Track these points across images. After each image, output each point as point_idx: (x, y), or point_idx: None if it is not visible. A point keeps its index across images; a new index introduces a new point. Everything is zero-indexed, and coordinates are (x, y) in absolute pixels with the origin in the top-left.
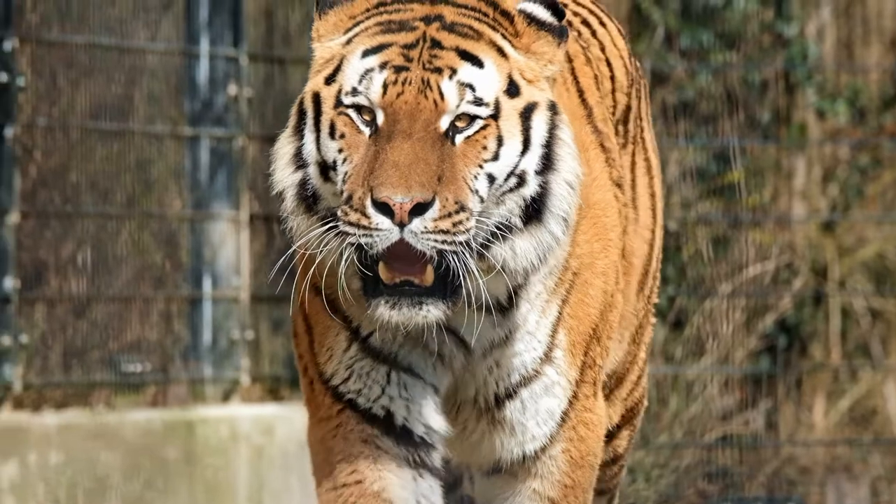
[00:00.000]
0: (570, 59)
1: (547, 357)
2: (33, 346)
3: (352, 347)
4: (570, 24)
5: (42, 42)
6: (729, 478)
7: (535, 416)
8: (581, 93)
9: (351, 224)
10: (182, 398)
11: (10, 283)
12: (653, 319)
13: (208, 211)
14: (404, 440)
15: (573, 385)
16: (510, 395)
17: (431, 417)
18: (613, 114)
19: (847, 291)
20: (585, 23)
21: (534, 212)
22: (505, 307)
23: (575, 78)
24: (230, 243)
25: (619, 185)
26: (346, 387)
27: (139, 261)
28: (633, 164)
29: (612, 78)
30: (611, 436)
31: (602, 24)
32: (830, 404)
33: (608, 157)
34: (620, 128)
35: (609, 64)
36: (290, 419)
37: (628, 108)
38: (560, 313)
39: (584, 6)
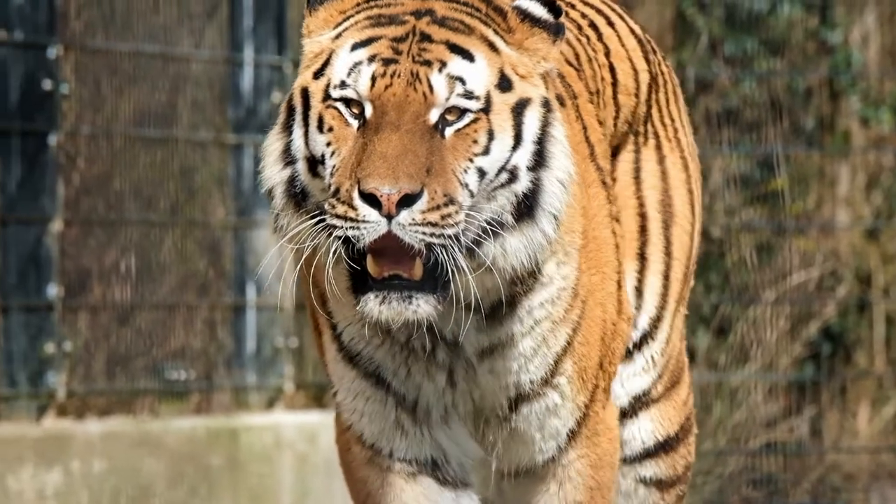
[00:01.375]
0: (575, 96)
1: (546, 383)
2: (77, 354)
3: (338, 353)
4: (579, 28)
5: (86, 49)
6: (773, 485)
7: (540, 431)
8: (585, 130)
9: (338, 217)
10: (226, 406)
11: (54, 290)
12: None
13: (252, 218)
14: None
15: (581, 409)
16: (513, 407)
17: (392, 434)
18: (617, 116)
19: (891, 298)
20: (592, 25)
21: (526, 209)
22: (495, 314)
23: (579, 115)
24: (274, 251)
25: (616, 220)
26: (339, 397)
27: (183, 268)
28: (662, 157)
29: (615, 83)
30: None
31: (610, 23)
32: (875, 411)
33: (609, 194)
34: (628, 128)
35: (612, 69)
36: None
37: (648, 104)
38: (570, 342)
39: (591, 6)
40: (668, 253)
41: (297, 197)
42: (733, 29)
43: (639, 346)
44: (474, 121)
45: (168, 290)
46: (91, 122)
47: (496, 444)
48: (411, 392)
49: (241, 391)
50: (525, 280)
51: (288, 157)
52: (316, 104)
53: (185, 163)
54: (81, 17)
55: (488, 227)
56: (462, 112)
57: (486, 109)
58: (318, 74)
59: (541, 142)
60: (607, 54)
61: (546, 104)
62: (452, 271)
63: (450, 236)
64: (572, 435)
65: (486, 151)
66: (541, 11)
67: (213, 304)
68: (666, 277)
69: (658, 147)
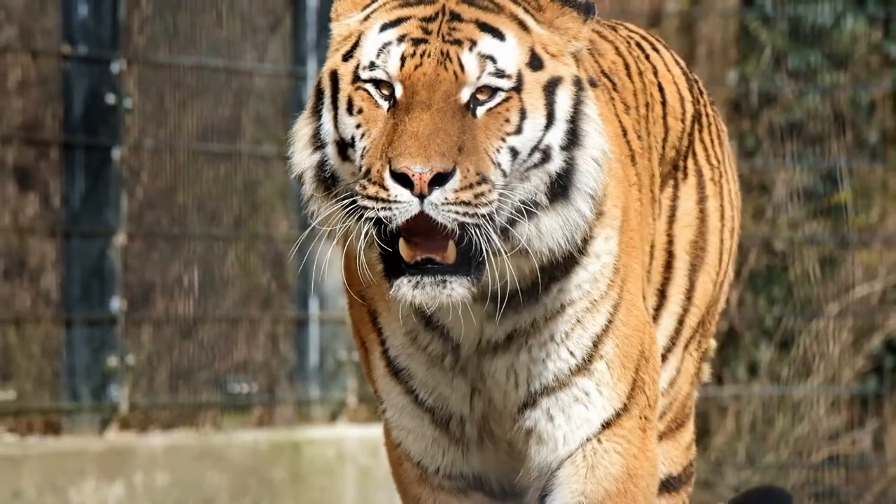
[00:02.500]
0: (615, 87)
1: (580, 369)
2: (140, 367)
3: (387, 372)
4: (628, 42)
5: (149, 63)
6: (836, 498)
7: (565, 425)
8: (625, 133)
9: (369, 198)
10: (289, 419)
11: (117, 304)
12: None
13: (315, 232)
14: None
15: (620, 402)
16: (534, 402)
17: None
18: (665, 139)
19: None
20: (639, 45)
21: (560, 189)
22: (521, 300)
23: (612, 100)
24: (337, 264)
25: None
26: (387, 416)
27: (246, 282)
28: (704, 198)
29: (664, 103)
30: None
31: (655, 49)
32: None
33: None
34: (675, 155)
35: (661, 88)
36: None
37: (690, 139)
38: (611, 321)
39: (635, 31)
40: (689, 297)
41: (328, 181)
42: (797, 42)
43: None
44: (506, 100)
45: (231, 304)
46: (154, 136)
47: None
48: (441, 405)
49: (304, 404)
50: (565, 261)
51: (317, 142)
52: (345, 86)
53: (248, 176)
54: (145, 32)
55: (522, 207)
56: (493, 91)
57: (518, 88)
58: (347, 57)
59: (573, 120)
60: (655, 73)
61: (578, 83)
62: (487, 252)
63: (483, 215)
64: (606, 426)
65: (519, 130)
66: None
67: (276, 318)
68: (680, 322)
69: (700, 186)
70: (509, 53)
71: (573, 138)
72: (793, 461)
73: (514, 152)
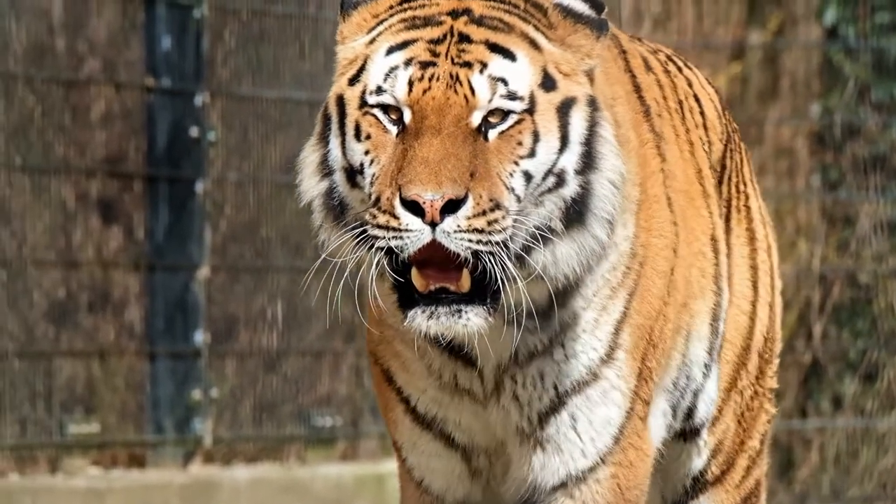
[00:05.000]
0: (629, 69)
1: (608, 358)
2: (224, 400)
3: (406, 418)
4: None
5: (233, 96)
6: None
7: (588, 428)
8: (638, 89)
9: (380, 227)
10: (373, 452)
11: (201, 336)
12: (770, 408)
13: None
14: None
15: (631, 395)
16: (557, 406)
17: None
18: (709, 151)
19: None
20: (671, 60)
21: (575, 214)
22: (547, 312)
23: (632, 75)
24: None
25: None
26: (409, 461)
27: (329, 314)
28: (729, 230)
29: (703, 113)
30: None
31: (688, 67)
32: None
33: (661, 161)
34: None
35: (697, 99)
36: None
37: (723, 164)
38: (626, 308)
39: (663, 51)
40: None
41: (337, 209)
42: (881, 75)
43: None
44: (518, 122)
45: (315, 337)
46: (238, 169)
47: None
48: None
49: (388, 438)
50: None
51: (325, 169)
52: (352, 112)
53: None
54: (228, 65)
55: (537, 233)
56: (506, 114)
57: (531, 110)
58: (353, 81)
59: (588, 142)
60: (690, 84)
61: (592, 103)
62: (501, 280)
63: (497, 243)
64: (619, 434)
65: (532, 154)
66: (582, 7)
67: (359, 351)
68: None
69: (727, 219)
70: (521, 74)
71: (588, 161)
72: (878, 494)
73: (528, 176)
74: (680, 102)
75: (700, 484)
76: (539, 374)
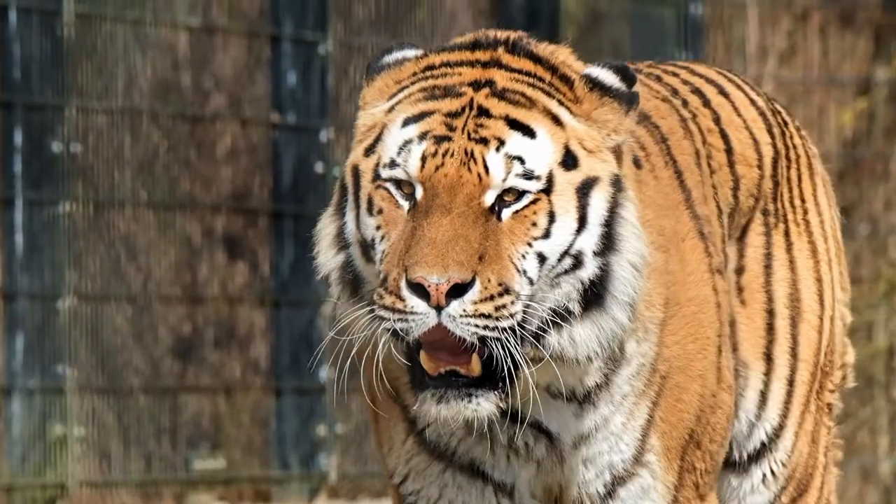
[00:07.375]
0: (664, 139)
1: (638, 460)
2: (349, 436)
3: (409, 440)
4: (674, 92)
5: None
6: None
7: None
8: (679, 174)
9: (386, 308)
10: None
11: (326, 372)
12: (828, 422)
13: None
14: None
15: (672, 490)
16: (608, 495)
17: None
18: (736, 188)
19: None
20: (697, 91)
21: (594, 296)
22: (586, 400)
23: (672, 158)
24: None
25: (719, 272)
26: (406, 487)
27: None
28: (790, 244)
29: (729, 150)
30: None
31: (723, 93)
32: None
33: (707, 246)
34: (755, 203)
35: (724, 135)
36: None
37: (774, 180)
38: (651, 417)
39: (701, 75)
40: (793, 354)
41: (352, 284)
42: None
43: (756, 457)
44: (534, 202)
45: None
46: None
47: None
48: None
49: None
50: (611, 360)
51: (342, 241)
52: (366, 184)
53: None
54: (353, 101)
55: (553, 316)
56: (521, 193)
57: (548, 190)
58: (369, 151)
59: (609, 224)
60: (717, 121)
61: (616, 182)
62: (509, 366)
63: (504, 329)
64: None
65: (547, 235)
66: (612, 79)
67: None
68: (790, 383)
69: (787, 233)
70: (540, 152)
71: (608, 243)
72: None
73: (542, 258)
74: (697, 153)
75: None
76: (587, 461)
